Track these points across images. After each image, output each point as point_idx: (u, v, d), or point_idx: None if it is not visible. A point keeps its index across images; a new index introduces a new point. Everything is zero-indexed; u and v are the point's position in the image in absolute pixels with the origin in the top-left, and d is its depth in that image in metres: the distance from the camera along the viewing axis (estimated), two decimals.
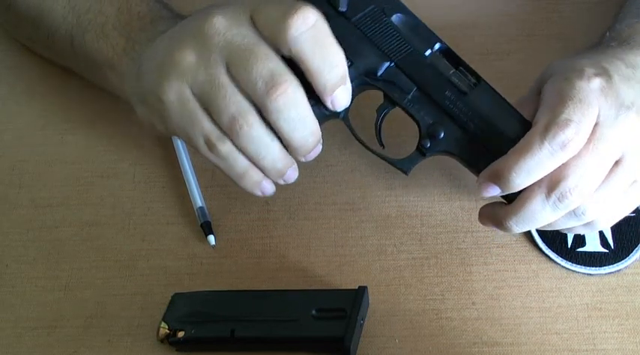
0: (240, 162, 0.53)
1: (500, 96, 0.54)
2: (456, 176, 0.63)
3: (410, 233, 0.61)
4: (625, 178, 0.51)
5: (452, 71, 0.54)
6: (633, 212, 0.60)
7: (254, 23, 0.51)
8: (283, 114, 0.51)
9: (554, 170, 0.50)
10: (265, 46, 0.51)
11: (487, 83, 0.54)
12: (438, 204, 0.62)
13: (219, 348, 0.57)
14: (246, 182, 0.54)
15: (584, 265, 0.59)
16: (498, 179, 0.51)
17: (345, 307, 0.55)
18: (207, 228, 0.62)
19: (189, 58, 0.51)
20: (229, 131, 0.51)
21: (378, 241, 0.61)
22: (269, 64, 0.50)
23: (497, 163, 0.51)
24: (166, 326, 0.57)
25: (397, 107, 0.55)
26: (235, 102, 0.51)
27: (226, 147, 0.52)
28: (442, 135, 0.53)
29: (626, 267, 0.59)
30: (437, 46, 0.55)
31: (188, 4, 0.73)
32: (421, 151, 0.54)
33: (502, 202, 0.54)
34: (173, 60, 0.52)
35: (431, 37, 0.55)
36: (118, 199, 0.65)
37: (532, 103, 0.54)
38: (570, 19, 0.71)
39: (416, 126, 0.54)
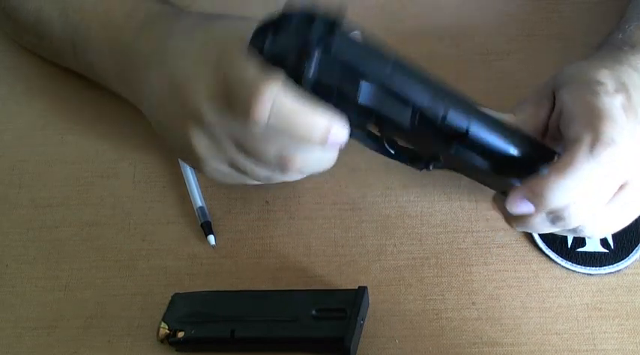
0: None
1: (496, 123, 0.50)
2: (456, 176, 0.63)
3: (410, 233, 0.61)
4: (629, 199, 0.50)
5: (438, 123, 0.49)
6: None
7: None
8: (303, 173, 0.55)
9: None
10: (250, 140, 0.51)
11: (479, 117, 0.50)
12: (438, 204, 0.62)
13: (219, 348, 0.57)
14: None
15: (585, 265, 0.59)
16: (536, 198, 0.48)
17: (345, 307, 0.55)
18: (207, 228, 0.62)
19: (202, 142, 0.53)
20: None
21: (378, 241, 0.61)
22: (266, 155, 0.52)
23: (535, 183, 0.48)
24: (166, 327, 0.57)
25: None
26: (259, 174, 0.55)
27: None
28: (442, 163, 0.52)
29: (626, 267, 0.59)
30: (417, 105, 0.48)
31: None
32: (427, 168, 0.53)
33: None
34: (189, 148, 0.54)
35: (407, 98, 0.48)
36: (118, 199, 0.65)
37: (545, 107, 0.53)
38: (570, 19, 0.71)
39: None
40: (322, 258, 0.61)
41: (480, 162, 0.50)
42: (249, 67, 0.48)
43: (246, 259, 0.61)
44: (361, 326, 0.56)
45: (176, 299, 0.58)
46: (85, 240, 0.63)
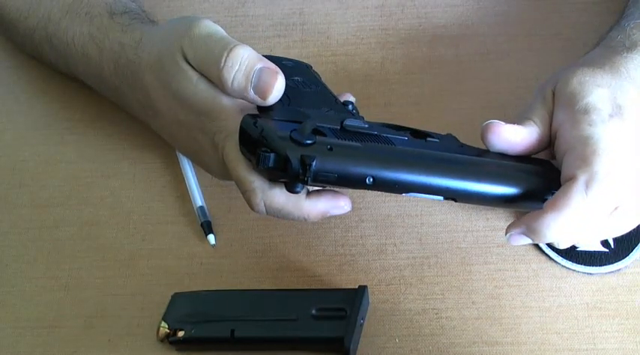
0: None
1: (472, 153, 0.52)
2: None
3: (410, 232, 0.61)
4: (622, 219, 0.51)
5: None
6: None
7: None
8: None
9: None
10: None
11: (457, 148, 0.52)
12: (438, 204, 0.62)
13: (219, 348, 0.57)
14: None
15: (585, 264, 0.59)
16: (533, 234, 0.50)
17: (345, 307, 0.55)
18: (207, 228, 0.62)
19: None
20: None
21: (378, 240, 0.61)
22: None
23: (532, 219, 0.49)
24: (166, 326, 0.57)
25: None
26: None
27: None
28: None
29: (626, 267, 0.58)
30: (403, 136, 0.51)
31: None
32: None
33: None
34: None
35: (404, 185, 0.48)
36: (118, 199, 0.65)
37: (547, 114, 0.54)
38: (570, 19, 0.71)
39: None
40: (322, 257, 0.61)
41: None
42: (238, 168, 0.52)
43: (246, 259, 0.61)
44: (361, 325, 0.56)
45: (176, 298, 0.58)
46: (85, 239, 0.63)
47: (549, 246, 0.59)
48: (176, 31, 0.54)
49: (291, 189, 0.49)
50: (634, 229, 0.59)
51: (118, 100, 0.64)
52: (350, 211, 0.55)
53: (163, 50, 0.55)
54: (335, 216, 0.62)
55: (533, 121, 0.54)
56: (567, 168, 0.50)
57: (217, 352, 0.57)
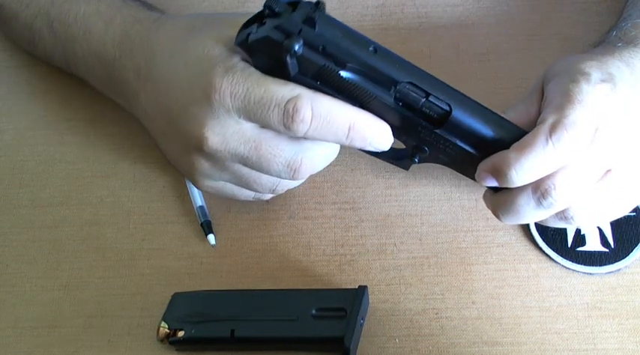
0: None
1: (479, 106, 0.51)
2: (456, 175, 0.63)
3: (410, 232, 0.61)
4: (616, 186, 0.51)
5: (422, 101, 0.50)
6: (633, 211, 0.60)
7: (249, 123, 0.51)
8: (312, 173, 0.55)
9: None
10: (268, 142, 0.52)
11: (462, 99, 0.51)
12: (438, 204, 0.62)
13: (219, 348, 0.57)
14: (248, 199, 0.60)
15: (585, 264, 0.59)
16: (497, 173, 0.50)
17: (345, 307, 0.55)
18: (207, 228, 0.62)
19: (204, 164, 0.55)
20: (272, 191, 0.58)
21: (378, 240, 0.61)
22: (279, 158, 0.52)
23: (498, 158, 0.50)
24: (166, 326, 0.57)
25: None
26: (266, 182, 0.56)
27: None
28: (428, 152, 0.53)
29: (626, 267, 0.58)
30: (401, 82, 0.49)
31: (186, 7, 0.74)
32: (412, 161, 0.54)
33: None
34: (189, 166, 0.56)
35: (391, 76, 0.49)
36: (118, 199, 0.65)
37: (535, 102, 0.53)
38: (570, 19, 0.71)
39: None
40: (322, 257, 0.61)
41: (464, 144, 0.51)
42: (269, 83, 0.50)
43: (246, 258, 0.61)
44: (361, 325, 0.56)
45: (176, 298, 0.58)
46: (85, 239, 0.63)
47: (549, 246, 0.59)
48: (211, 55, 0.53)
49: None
50: (634, 229, 0.59)
51: (110, 78, 0.62)
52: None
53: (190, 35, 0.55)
54: (335, 216, 0.62)
55: (523, 105, 0.54)
56: (542, 116, 0.50)
57: (217, 352, 0.57)
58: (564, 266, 0.59)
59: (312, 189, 0.64)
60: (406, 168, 0.55)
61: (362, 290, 0.56)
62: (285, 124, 0.50)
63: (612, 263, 0.59)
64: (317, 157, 0.54)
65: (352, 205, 0.63)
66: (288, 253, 0.61)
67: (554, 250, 0.59)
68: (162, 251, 0.62)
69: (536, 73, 0.68)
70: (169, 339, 0.57)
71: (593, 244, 0.59)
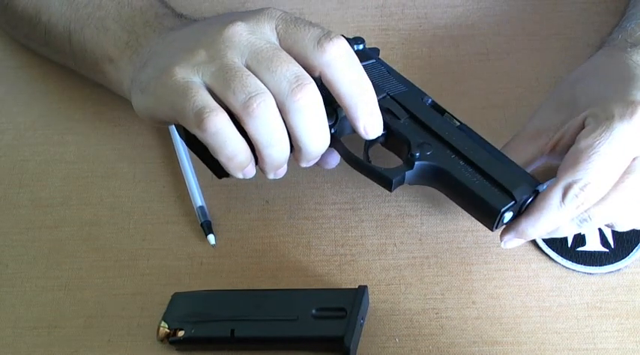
0: (234, 143, 0.50)
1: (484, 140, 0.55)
2: None
3: (410, 232, 0.61)
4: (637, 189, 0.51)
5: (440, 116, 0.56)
6: None
7: (279, 39, 0.52)
8: (304, 115, 0.50)
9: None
10: (288, 54, 0.51)
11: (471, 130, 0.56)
12: (438, 204, 0.62)
13: (219, 348, 0.57)
14: (234, 164, 0.52)
15: (585, 264, 0.59)
16: (522, 236, 0.53)
17: (345, 306, 0.55)
18: (207, 228, 0.62)
19: (203, 54, 0.51)
20: (243, 110, 0.49)
21: (378, 240, 0.61)
22: (293, 67, 0.50)
23: (520, 224, 0.52)
24: (166, 326, 0.57)
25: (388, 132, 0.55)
26: (254, 84, 0.50)
27: (219, 122, 0.49)
28: (430, 151, 0.54)
29: (626, 266, 0.59)
30: (427, 99, 0.57)
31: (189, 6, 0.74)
32: (409, 160, 0.54)
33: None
34: (186, 55, 0.52)
35: (421, 93, 0.57)
36: (118, 199, 0.65)
37: (558, 112, 0.56)
38: (570, 19, 0.71)
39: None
40: (322, 257, 0.61)
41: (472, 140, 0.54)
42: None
43: (246, 259, 0.61)
44: (361, 325, 0.56)
45: (176, 298, 0.58)
46: (85, 239, 0.63)
47: (549, 246, 0.59)
48: None
49: None
50: (634, 229, 0.59)
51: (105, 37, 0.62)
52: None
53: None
54: (335, 217, 0.62)
55: (546, 134, 0.56)
56: (559, 171, 0.52)
57: (217, 352, 0.57)
58: (564, 266, 0.59)
59: (312, 189, 0.64)
60: (391, 184, 0.54)
61: (362, 290, 0.56)
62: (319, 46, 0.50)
63: (612, 263, 0.59)
64: (320, 104, 0.51)
65: (352, 205, 0.63)
66: (288, 253, 0.61)
67: (554, 250, 0.59)
68: (162, 251, 0.62)
69: (536, 73, 0.68)
70: (169, 339, 0.57)
71: (593, 244, 0.59)
